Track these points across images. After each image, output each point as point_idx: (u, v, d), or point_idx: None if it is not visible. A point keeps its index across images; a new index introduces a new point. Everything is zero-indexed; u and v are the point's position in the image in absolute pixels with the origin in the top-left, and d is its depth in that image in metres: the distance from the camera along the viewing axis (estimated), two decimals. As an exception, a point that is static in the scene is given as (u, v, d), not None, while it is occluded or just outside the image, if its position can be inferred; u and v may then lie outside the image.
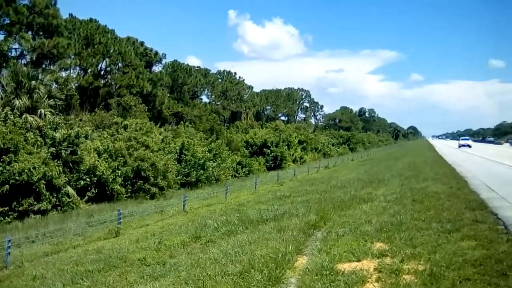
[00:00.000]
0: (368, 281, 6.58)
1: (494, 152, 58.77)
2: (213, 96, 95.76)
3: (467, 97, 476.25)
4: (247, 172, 52.21)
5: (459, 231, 9.20)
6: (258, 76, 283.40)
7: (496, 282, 6.09)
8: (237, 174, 50.08)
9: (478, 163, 35.28)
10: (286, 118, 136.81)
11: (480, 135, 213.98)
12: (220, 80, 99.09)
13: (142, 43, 66.98)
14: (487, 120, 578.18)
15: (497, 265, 6.80)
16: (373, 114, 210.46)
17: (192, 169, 38.70)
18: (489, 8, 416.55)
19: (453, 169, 27.10)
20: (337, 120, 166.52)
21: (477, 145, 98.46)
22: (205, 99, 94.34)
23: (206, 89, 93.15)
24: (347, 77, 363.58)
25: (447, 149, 78.32)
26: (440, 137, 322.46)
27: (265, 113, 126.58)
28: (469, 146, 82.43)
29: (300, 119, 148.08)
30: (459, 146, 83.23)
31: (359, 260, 7.63)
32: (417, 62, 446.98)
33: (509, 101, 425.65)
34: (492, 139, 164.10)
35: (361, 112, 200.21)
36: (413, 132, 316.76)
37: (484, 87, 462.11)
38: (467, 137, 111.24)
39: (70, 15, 55.84)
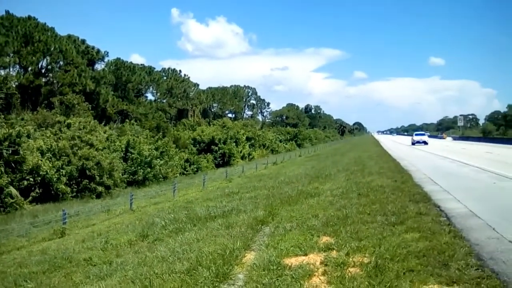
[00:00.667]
0: (315, 275, 6.62)
1: (437, 146, 60.35)
2: (158, 94, 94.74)
3: (410, 94, 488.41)
4: (196, 169, 52.04)
5: (403, 224, 9.37)
6: (204, 74, 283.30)
7: (438, 272, 6.23)
8: (185, 172, 49.84)
9: (421, 157, 36.11)
10: (233, 115, 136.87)
11: (424, 130, 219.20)
12: (165, 78, 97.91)
13: (83, 41, 65.95)
14: (430, 115, 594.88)
15: (439, 256, 6.95)
16: (319, 111, 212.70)
17: (139, 167, 38.33)
18: (428, 6, 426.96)
19: (397, 163, 27.62)
20: (284, 117, 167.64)
21: (407, 139, 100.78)
22: (150, 97, 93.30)
23: (151, 87, 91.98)
24: (292, 75, 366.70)
25: (392, 144, 79.86)
26: (385, 132, 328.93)
27: (212, 110, 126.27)
28: (425, 143, 65.65)
29: (247, 116, 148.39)
30: (413, 143, 67.50)
31: (306, 254, 7.68)
32: (360, 60, 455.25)
33: (450, 97, 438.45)
34: (428, 133, 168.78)
35: (307, 109, 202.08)
36: (359, 127, 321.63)
37: (426, 84, 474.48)
38: (422, 132, 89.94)
39: (7, 12, 54.27)
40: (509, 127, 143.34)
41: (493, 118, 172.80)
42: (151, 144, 44.04)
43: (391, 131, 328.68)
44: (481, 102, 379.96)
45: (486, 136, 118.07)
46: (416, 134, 75.91)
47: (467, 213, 10.70)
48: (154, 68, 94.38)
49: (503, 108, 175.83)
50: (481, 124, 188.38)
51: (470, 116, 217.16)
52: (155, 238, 11.65)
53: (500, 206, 11.71)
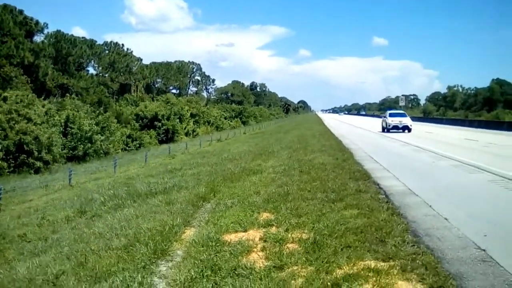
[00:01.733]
0: (253, 251, 6.60)
1: (379, 125, 61.47)
2: (100, 68, 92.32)
3: (354, 73, 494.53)
4: (138, 145, 51.44)
5: (342, 201, 9.48)
6: (147, 49, 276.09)
7: (375, 248, 6.31)
8: (127, 148, 49.19)
9: (363, 136, 36.78)
10: (178, 91, 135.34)
11: (366, 110, 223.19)
12: (107, 52, 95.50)
13: (21, 12, 63.32)
14: (373, 95, 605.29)
15: (376, 232, 7.05)
16: (264, 89, 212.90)
17: (79, 143, 37.58)
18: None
19: (339, 142, 28.01)
20: (229, 94, 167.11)
21: (357, 118, 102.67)
22: (91, 71, 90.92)
23: (92, 60, 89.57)
24: (238, 52, 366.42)
25: (335, 122, 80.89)
26: (328, 111, 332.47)
27: (156, 86, 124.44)
28: (407, 128, 40.44)
29: (192, 93, 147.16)
30: (386, 129, 42.16)
31: (245, 231, 7.66)
32: (305, 38, 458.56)
33: (392, 77, 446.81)
34: (364, 112, 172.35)
35: (253, 86, 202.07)
36: (303, 106, 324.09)
37: (369, 64, 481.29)
38: (402, 111, 50.74)
39: None
40: (449, 108, 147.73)
41: (434, 99, 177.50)
42: (92, 119, 43.20)
43: (334, 110, 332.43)
44: (423, 82, 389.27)
45: (426, 117, 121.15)
46: (392, 115, 45.05)
47: (406, 191, 10.94)
48: (96, 42, 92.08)
49: (443, 89, 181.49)
50: (422, 105, 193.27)
51: (412, 97, 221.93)
52: (93, 214, 11.42)
53: (437, 185, 12.03)
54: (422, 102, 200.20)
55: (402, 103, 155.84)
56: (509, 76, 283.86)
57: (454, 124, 66.37)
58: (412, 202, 9.69)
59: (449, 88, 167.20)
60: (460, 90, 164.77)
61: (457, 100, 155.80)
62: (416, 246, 6.43)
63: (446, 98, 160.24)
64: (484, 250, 6.32)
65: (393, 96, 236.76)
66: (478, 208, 9.07)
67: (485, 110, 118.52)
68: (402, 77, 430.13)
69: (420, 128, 51.45)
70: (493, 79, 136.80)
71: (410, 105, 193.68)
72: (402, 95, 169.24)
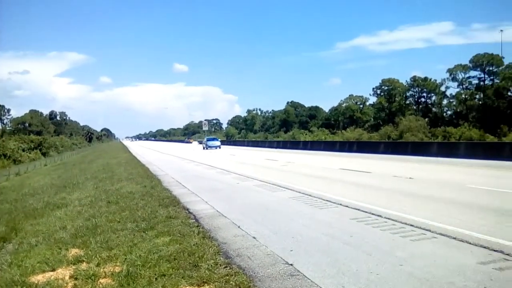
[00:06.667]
0: (64, 291, 6.31)
1: (183, 150, 62.35)
2: None
3: (157, 99, 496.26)
4: None
5: (153, 229, 9.44)
6: None
7: (189, 274, 6.37)
8: None
9: (169, 162, 36.96)
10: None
11: (172, 135, 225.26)
12: None
13: None
14: (177, 120, 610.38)
15: (189, 257, 7.13)
16: (64, 117, 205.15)
17: None
18: (171, 15, 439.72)
19: (146, 169, 27.90)
20: (27, 124, 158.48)
21: (156, 144, 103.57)
22: None
23: None
24: (34, 80, 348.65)
25: (142, 149, 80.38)
26: (133, 138, 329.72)
27: None
28: (219, 147, 59.03)
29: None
30: (205, 148, 57.92)
31: (53, 270, 7.27)
32: (106, 65, 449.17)
33: (194, 103, 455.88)
34: (153, 138, 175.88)
35: (52, 115, 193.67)
36: (107, 134, 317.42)
37: (172, 90, 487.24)
38: (215, 137, 72.04)
39: None
40: (249, 130, 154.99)
41: (235, 122, 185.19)
42: None
43: (139, 137, 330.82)
44: (224, 107, 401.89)
45: (229, 140, 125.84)
46: (209, 139, 65.01)
47: (215, 214, 11.24)
48: None
49: (243, 113, 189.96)
50: (224, 128, 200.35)
51: (214, 121, 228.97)
52: None
53: (243, 205, 12.51)
54: (225, 125, 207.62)
55: (205, 128, 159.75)
56: (302, 99, 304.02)
57: (256, 145, 69.65)
58: (221, 224, 9.98)
59: (248, 111, 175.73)
60: (259, 113, 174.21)
61: (256, 122, 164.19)
62: (228, 268, 6.62)
63: (247, 121, 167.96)
64: (291, 264, 6.71)
65: (197, 121, 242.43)
66: (282, 225, 9.58)
67: (282, 131, 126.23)
68: (204, 102, 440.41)
69: (225, 151, 53.23)
70: (288, 102, 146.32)
71: (213, 129, 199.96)
72: (205, 120, 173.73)
